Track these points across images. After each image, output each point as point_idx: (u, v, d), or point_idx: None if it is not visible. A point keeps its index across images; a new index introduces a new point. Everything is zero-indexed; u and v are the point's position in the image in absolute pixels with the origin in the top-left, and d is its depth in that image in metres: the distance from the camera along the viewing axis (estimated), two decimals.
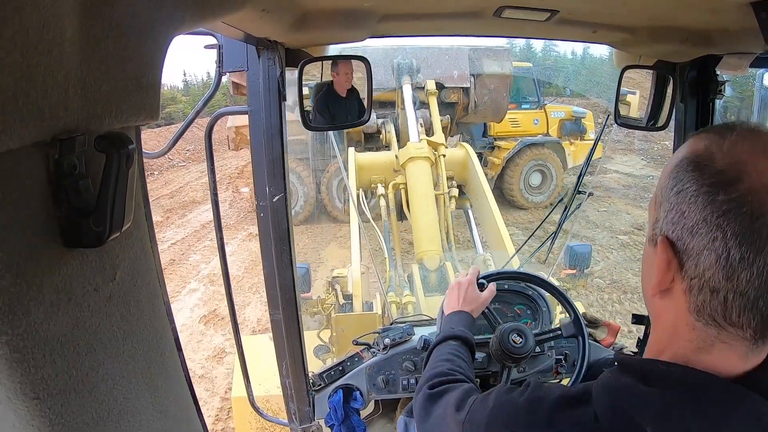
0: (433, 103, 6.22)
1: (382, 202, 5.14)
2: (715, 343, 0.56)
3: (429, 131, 5.80)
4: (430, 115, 6.02)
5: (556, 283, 1.82)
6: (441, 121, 6.13)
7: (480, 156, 10.72)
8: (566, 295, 1.67)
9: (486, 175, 9.96)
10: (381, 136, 6.73)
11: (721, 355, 0.57)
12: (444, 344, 1.17)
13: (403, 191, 4.87)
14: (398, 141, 6.06)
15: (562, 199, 2.70)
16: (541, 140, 11.00)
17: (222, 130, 9.91)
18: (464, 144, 6.38)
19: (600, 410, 0.59)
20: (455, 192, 5.24)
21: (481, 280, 1.48)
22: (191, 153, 17.65)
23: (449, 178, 5.17)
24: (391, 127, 6.50)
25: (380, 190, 5.26)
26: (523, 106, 11.35)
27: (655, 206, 0.62)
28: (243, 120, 8.26)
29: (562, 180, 11.12)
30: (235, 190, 12.66)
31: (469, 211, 5.68)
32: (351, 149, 5.58)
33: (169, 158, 16.84)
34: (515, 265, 3.35)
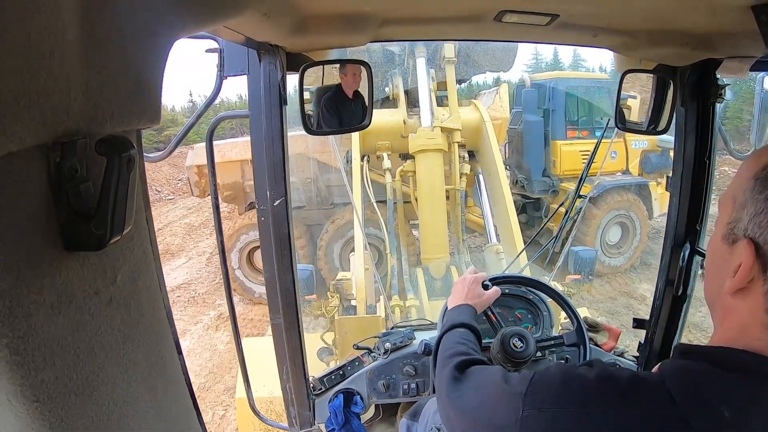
0: (451, 74, 5.22)
1: (388, 177, 4.70)
2: None
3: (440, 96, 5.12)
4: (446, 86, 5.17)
5: (560, 289, 1.82)
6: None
7: (538, 203, 8.52)
8: (570, 303, 1.66)
9: (549, 231, 8.04)
10: (388, 90, 5.84)
11: None
12: (452, 332, 1.16)
13: (411, 179, 4.53)
14: (406, 97, 5.35)
15: (562, 204, 2.71)
16: (625, 182, 7.88)
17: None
18: (476, 102, 5.59)
19: (675, 392, 0.60)
20: (467, 168, 4.70)
21: (486, 283, 1.48)
22: (183, 184, 15.56)
23: (460, 146, 4.69)
24: (399, 81, 5.58)
25: (386, 162, 4.74)
26: (597, 134, 7.58)
27: (734, 205, 0.63)
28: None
29: (647, 234, 8.10)
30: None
31: (480, 176, 5.09)
32: None
33: (157, 190, 15.16)
34: (522, 262, 3.32)
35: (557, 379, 0.69)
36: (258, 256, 7.38)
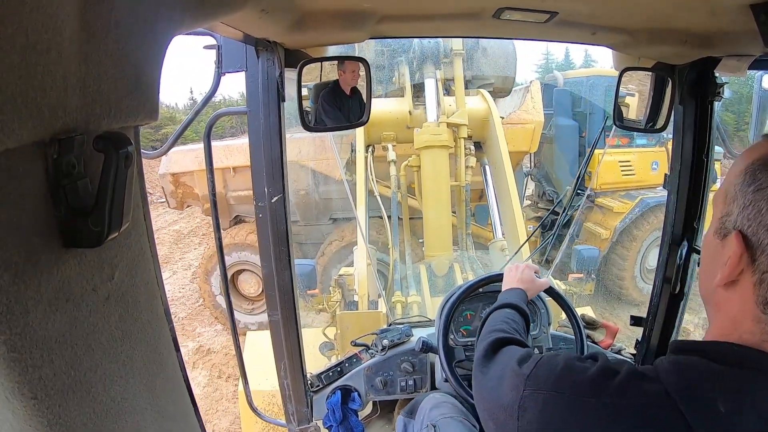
0: (459, 67, 4.86)
1: (392, 170, 4.54)
2: None
3: (447, 91, 4.84)
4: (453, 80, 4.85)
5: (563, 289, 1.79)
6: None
7: (569, 221, 7.27)
8: (579, 321, 1.63)
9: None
10: (394, 78, 5.44)
11: None
12: (499, 311, 1.18)
13: (416, 174, 4.38)
14: (412, 84, 5.06)
15: (561, 200, 2.70)
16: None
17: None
18: (482, 91, 5.30)
19: (671, 386, 0.60)
20: (472, 162, 4.52)
21: (536, 274, 1.48)
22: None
23: (467, 138, 4.50)
24: (405, 70, 5.21)
25: (390, 154, 4.58)
26: (637, 142, 7.09)
27: (726, 200, 0.64)
28: (184, 164, 6.29)
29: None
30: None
31: (487, 167, 4.90)
32: None
33: (148, 191, 14.13)
34: (525, 254, 3.32)
35: (560, 365, 0.71)
36: (243, 280, 6.72)
